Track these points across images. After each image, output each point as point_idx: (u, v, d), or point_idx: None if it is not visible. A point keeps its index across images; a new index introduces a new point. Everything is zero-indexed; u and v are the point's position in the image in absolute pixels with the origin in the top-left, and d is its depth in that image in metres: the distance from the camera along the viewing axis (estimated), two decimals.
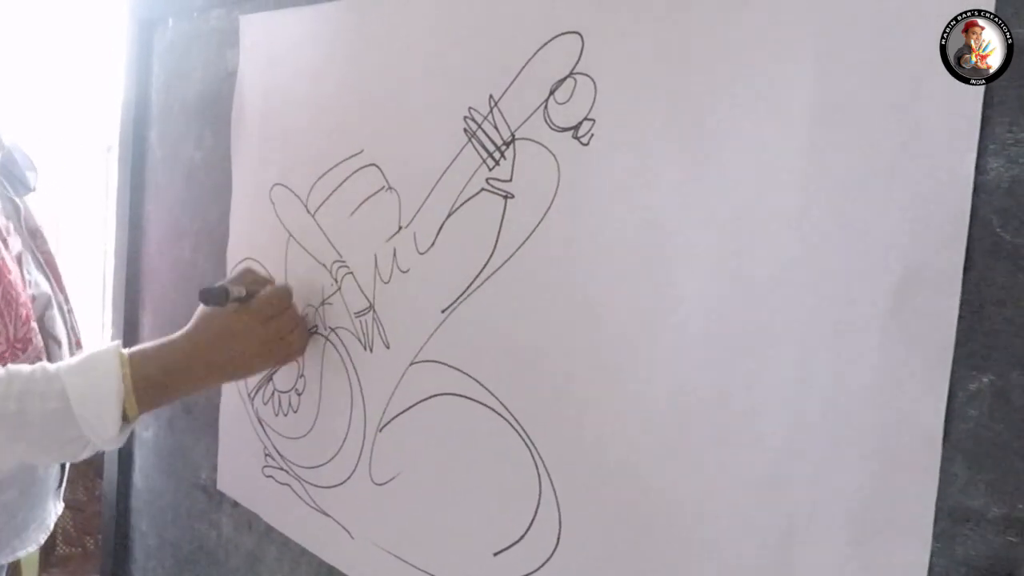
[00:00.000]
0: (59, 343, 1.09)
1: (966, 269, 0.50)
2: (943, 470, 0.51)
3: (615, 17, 0.67)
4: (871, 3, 0.53)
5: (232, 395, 1.14)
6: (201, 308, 0.94)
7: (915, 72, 0.51)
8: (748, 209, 0.59)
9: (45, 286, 1.09)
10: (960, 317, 0.50)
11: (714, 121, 0.61)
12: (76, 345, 1.14)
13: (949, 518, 0.51)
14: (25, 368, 0.87)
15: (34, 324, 1.01)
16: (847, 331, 0.54)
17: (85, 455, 0.90)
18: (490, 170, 0.77)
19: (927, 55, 0.51)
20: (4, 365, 0.88)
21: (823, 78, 0.55)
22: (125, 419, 0.88)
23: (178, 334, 0.93)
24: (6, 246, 1.02)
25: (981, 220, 0.49)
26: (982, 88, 0.49)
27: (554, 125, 0.72)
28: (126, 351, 0.90)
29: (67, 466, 1.20)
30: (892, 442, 0.52)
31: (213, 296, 0.92)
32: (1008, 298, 0.49)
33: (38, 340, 1.02)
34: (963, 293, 0.50)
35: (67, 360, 0.90)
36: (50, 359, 1.04)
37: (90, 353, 0.89)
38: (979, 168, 0.49)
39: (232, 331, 0.92)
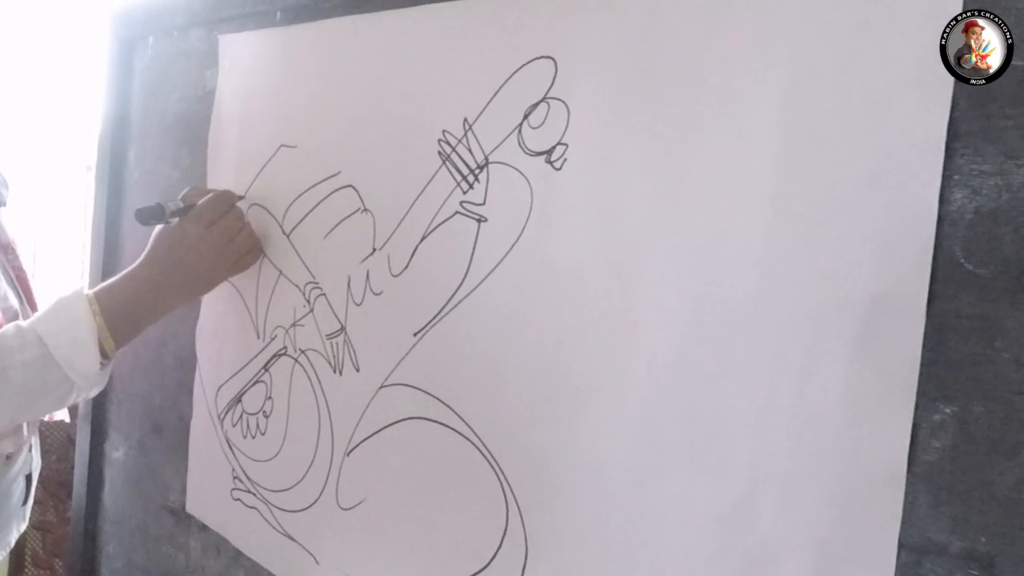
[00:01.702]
0: None
1: (930, 300, 0.50)
2: (906, 502, 0.50)
3: (588, 43, 0.67)
4: (839, 30, 0.54)
5: (202, 416, 1.12)
6: (154, 230, 0.96)
7: (880, 100, 0.51)
8: (717, 236, 0.59)
9: (13, 300, 1.08)
10: (924, 348, 0.50)
11: (684, 147, 0.61)
12: None
13: (912, 551, 0.50)
14: None
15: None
16: (812, 361, 0.54)
17: (71, 400, 0.92)
18: (464, 193, 0.77)
19: (889, 75, 0.51)
20: None
21: (792, 106, 0.55)
22: (104, 356, 0.90)
23: (136, 263, 0.95)
24: None
25: (945, 251, 0.49)
26: (945, 119, 0.49)
27: (527, 149, 0.72)
28: (90, 291, 0.92)
29: (33, 485, 1.18)
30: (856, 473, 0.52)
31: (148, 214, 0.94)
32: (972, 329, 0.49)
33: None
34: (927, 324, 0.50)
35: (36, 314, 0.92)
36: None
37: (57, 299, 0.91)
38: (943, 199, 0.49)
39: (180, 243, 0.93)
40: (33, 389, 0.88)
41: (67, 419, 1.21)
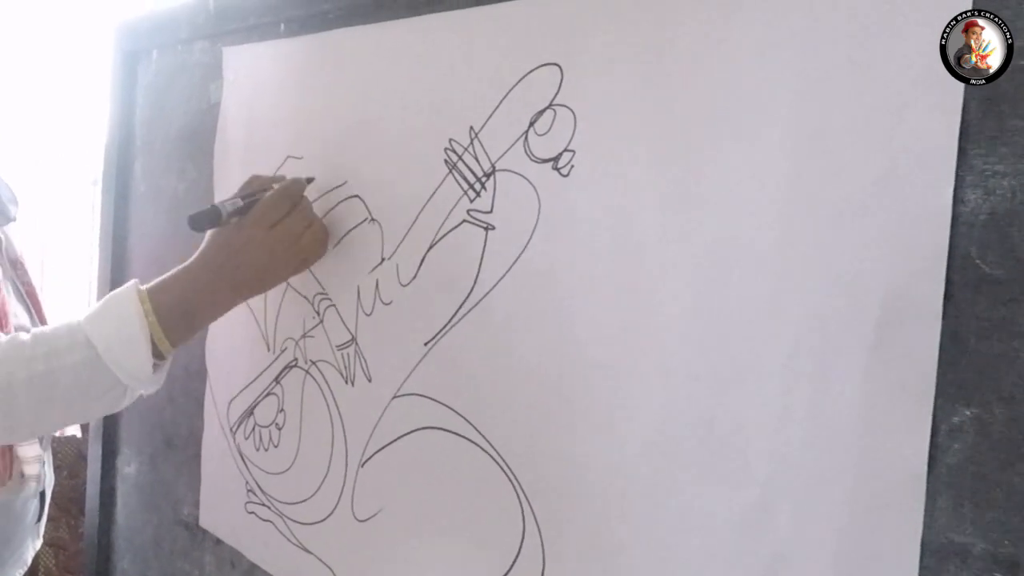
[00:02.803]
0: None
1: (946, 301, 0.49)
2: (928, 505, 0.50)
3: (594, 49, 0.67)
4: (848, 33, 0.53)
5: (214, 429, 1.12)
6: (208, 232, 0.90)
7: (892, 103, 0.51)
8: (728, 241, 0.59)
9: (24, 317, 1.08)
10: (941, 350, 0.49)
11: (693, 152, 0.61)
12: None
13: (935, 555, 0.50)
14: (48, 327, 0.86)
15: None
16: (828, 365, 0.54)
17: (126, 403, 0.88)
18: (471, 201, 0.77)
19: (901, 77, 0.51)
20: None
21: (802, 110, 0.55)
22: (159, 356, 0.86)
23: (191, 260, 0.89)
24: None
25: (960, 252, 0.49)
26: (958, 120, 0.49)
27: (534, 156, 0.71)
28: (143, 287, 0.87)
29: (47, 502, 1.18)
30: (876, 477, 0.52)
31: (203, 220, 0.87)
32: (989, 330, 0.48)
33: None
34: (944, 325, 0.49)
35: (84, 312, 0.87)
36: None
37: (109, 296, 0.86)
38: (957, 200, 0.49)
39: (236, 246, 0.87)
40: (84, 392, 0.84)
41: (79, 434, 1.21)
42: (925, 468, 0.50)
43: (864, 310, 0.52)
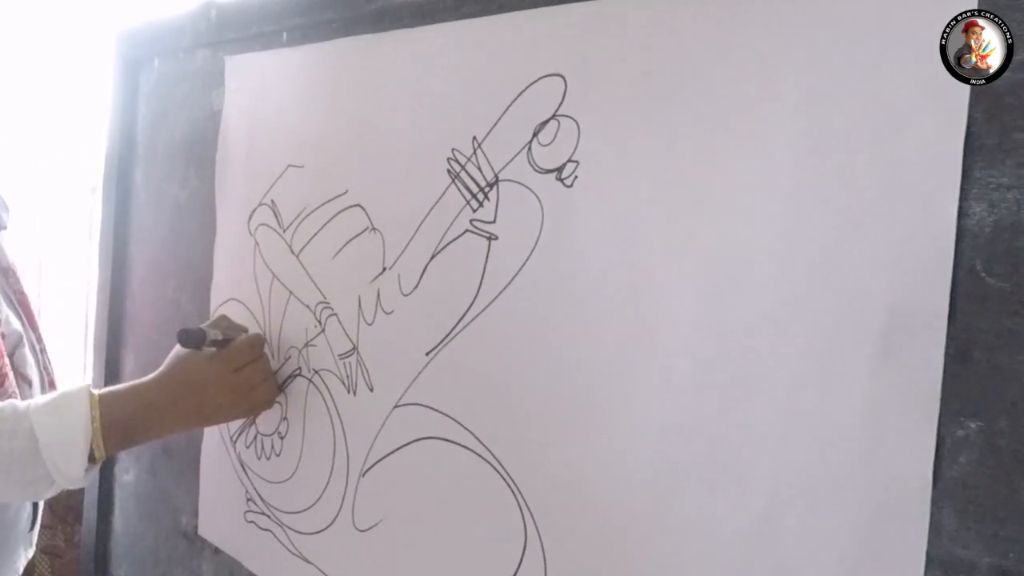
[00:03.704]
0: (29, 383, 1.06)
1: (951, 314, 0.49)
2: (933, 518, 0.50)
3: (598, 60, 0.67)
4: (852, 44, 0.53)
5: (214, 438, 1.12)
6: (176, 350, 0.94)
7: (896, 115, 0.51)
8: (732, 253, 0.59)
9: (16, 324, 1.07)
10: (946, 362, 0.49)
11: (697, 162, 0.61)
12: (49, 385, 1.12)
13: (939, 568, 0.50)
14: None
15: (6, 360, 1.00)
16: (833, 378, 0.54)
17: (49, 494, 0.90)
18: (474, 211, 0.77)
19: (905, 89, 0.51)
20: None
21: (808, 122, 0.55)
22: (92, 459, 0.88)
23: (150, 376, 0.93)
24: None
25: (965, 265, 0.49)
26: (962, 132, 0.49)
27: (538, 167, 0.71)
28: (96, 391, 0.90)
29: (40, 510, 1.17)
30: (881, 490, 0.52)
31: (191, 338, 0.92)
32: (995, 343, 0.48)
33: (12, 377, 1.00)
34: (949, 339, 0.49)
35: (36, 400, 0.90)
36: (21, 399, 1.02)
37: (60, 392, 0.89)
38: (961, 213, 0.49)
39: (203, 377, 0.92)
40: (13, 478, 0.86)
41: None
42: (930, 481, 0.50)
43: (869, 323, 0.52)
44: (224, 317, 1.01)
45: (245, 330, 1.01)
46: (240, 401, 0.95)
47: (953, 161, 0.49)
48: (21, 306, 1.12)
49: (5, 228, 1.13)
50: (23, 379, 1.06)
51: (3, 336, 1.03)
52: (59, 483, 0.88)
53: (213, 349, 0.94)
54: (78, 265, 2.02)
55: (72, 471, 0.87)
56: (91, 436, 0.87)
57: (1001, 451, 0.48)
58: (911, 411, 0.50)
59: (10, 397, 0.96)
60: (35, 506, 1.15)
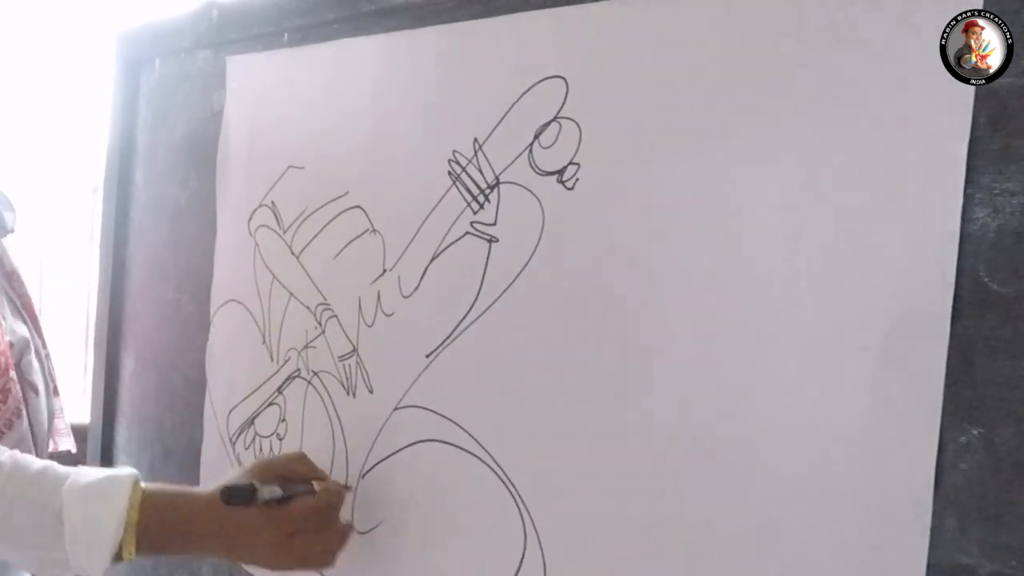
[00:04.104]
0: (36, 390, 1.05)
1: (954, 320, 0.49)
2: (934, 525, 0.50)
3: (599, 62, 0.67)
4: (857, 45, 0.53)
5: (213, 439, 1.12)
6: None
7: (900, 120, 0.51)
8: (734, 256, 0.59)
9: (23, 330, 1.06)
10: (949, 368, 0.49)
11: (698, 166, 0.61)
12: (53, 392, 1.11)
13: (941, 575, 0.49)
14: (34, 465, 0.79)
15: (12, 373, 0.97)
16: (834, 383, 0.54)
17: None
18: (475, 213, 0.77)
19: (909, 94, 0.51)
20: None
21: (810, 125, 0.55)
22: (117, 557, 0.77)
23: (204, 498, 0.80)
24: None
25: (968, 270, 0.49)
26: (966, 137, 0.48)
27: (539, 169, 0.71)
28: (144, 487, 0.79)
29: None
30: (882, 496, 0.51)
31: (238, 497, 0.78)
32: (997, 349, 0.48)
33: (17, 390, 0.98)
34: (951, 344, 0.49)
35: (77, 473, 0.79)
36: (26, 407, 1.00)
37: (105, 476, 0.79)
38: (965, 218, 0.49)
39: (253, 532, 0.78)
40: (30, 554, 0.79)
41: (73, 450, 1.19)
42: (931, 487, 0.50)
43: (871, 328, 0.52)
44: (301, 461, 0.85)
45: (323, 478, 0.85)
46: (288, 564, 0.81)
47: (957, 166, 0.49)
48: (26, 310, 1.10)
49: (12, 231, 1.11)
50: (30, 387, 1.03)
51: (11, 345, 1.01)
52: (74, 571, 0.78)
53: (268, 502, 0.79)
54: (79, 266, 2.01)
55: (92, 567, 0.77)
56: (122, 536, 0.76)
57: (1003, 457, 0.48)
58: (913, 417, 0.50)
59: (16, 413, 0.92)
60: None
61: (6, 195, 1.09)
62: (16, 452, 0.80)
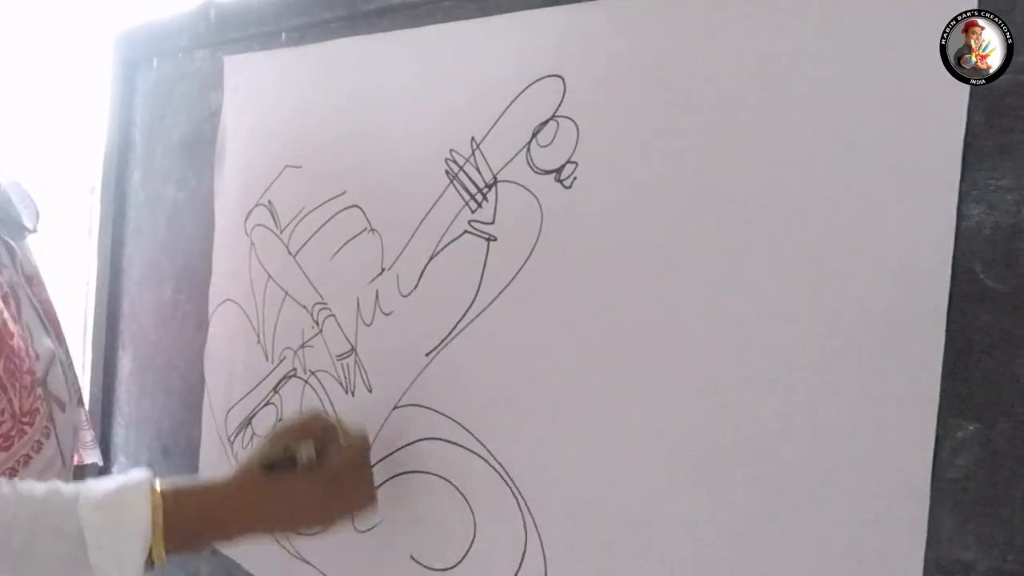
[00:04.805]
0: (62, 405, 0.96)
1: (950, 316, 0.49)
2: (931, 521, 0.50)
3: (597, 61, 0.67)
4: (852, 41, 0.53)
5: (212, 438, 1.12)
6: (256, 455, 0.80)
7: (896, 117, 0.51)
8: (730, 254, 0.59)
9: (47, 342, 0.98)
10: (945, 364, 0.49)
11: (696, 164, 0.61)
12: (78, 403, 1.04)
13: (938, 571, 0.50)
14: (38, 490, 0.74)
15: (39, 390, 0.91)
16: (830, 379, 0.54)
17: None
18: (473, 212, 0.77)
19: (904, 91, 0.51)
20: (9, 444, 0.77)
21: (807, 123, 0.55)
22: (149, 565, 0.74)
23: (225, 482, 0.79)
24: (6, 304, 0.91)
25: (964, 267, 0.49)
26: (961, 134, 0.49)
27: (536, 168, 0.71)
28: (159, 486, 0.75)
29: None
30: (879, 492, 0.51)
31: (279, 465, 0.78)
32: (993, 345, 0.48)
33: (45, 409, 0.91)
34: (947, 340, 0.49)
35: (88, 488, 0.75)
36: (54, 425, 0.93)
37: (117, 486, 0.75)
38: (960, 214, 0.49)
39: (291, 500, 0.78)
40: None
41: (100, 463, 1.17)
42: (928, 483, 0.50)
43: (867, 324, 0.52)
44: (315, 418, 0.84)
45: (340, 427, 0.83)
46: (331, 517, 0.80)
47: (952, 163, 0.49)
48: (47, 316, 1.04)
49: (34, 232, 1.06)
50: (56, 402, 0.96)
51: (37, 358, 0.94)
52: None
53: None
54: (77, 266, 2.01)
55: None
56: (150, 544, 0.72)
57: (999, 453, 0.48)
58: (910, 413, 0.50)
59: (44, 433, 0.87)
60: None
61: (27, 193, 1.06)
62: (16, 480, 0.75)
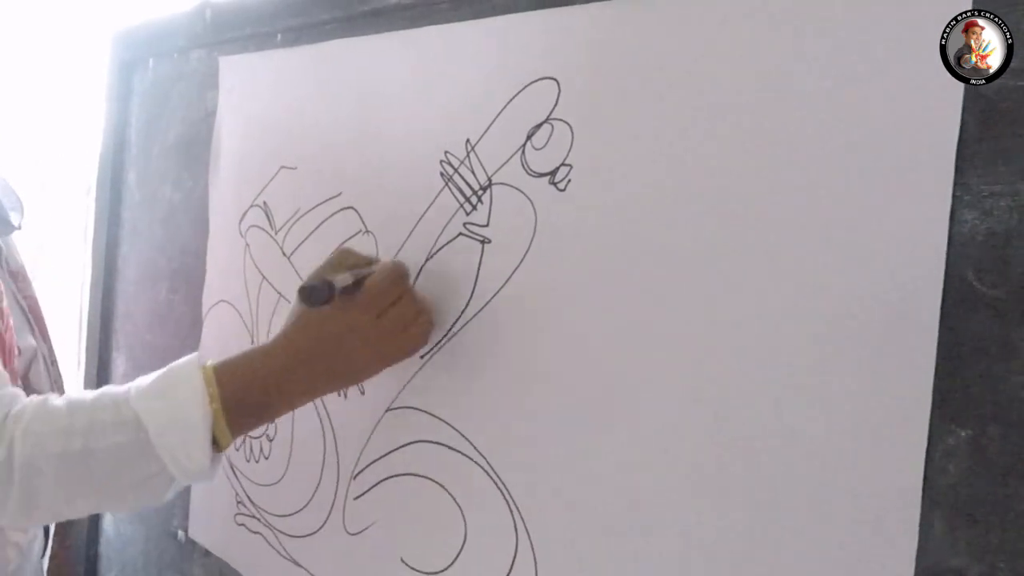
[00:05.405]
0: None
1: (942, 322, 0.49)
2: (922, 527, 0.50)
3: (591, 63, 0.67)
4: (846, 45, 0.53)
5: None
6: (295, 306, 0.77)
7: (888, 122, 0.51)
8: (723, 258, 0.59)
9: (30, 338, 1.00)
10: (937, 370, 0.49)
11: (691, 166, 0.61)
12: None
13: None
14: (87, 395, 0.74)
15: (19, 383, 0.94)
16: (822, 384, 0.54)
17: (169, 495, 0.75)
18: (467, 215, 0.77)
19: (897, 96, 0.51)
20: None
21: (801, 125, 0.55)
22: (215, 445, 0.73)
23: (272, 340, 0.76)
24: None
25: (956, 273, 0.49)
26: (955, 139, 0.49)
27: (531, 170, 0.71)
28: (209, 364, 0.75)
29: (51, 533, 1.15)
30: (870, 498, 0.51)
31: (317, 295, 0.72)
32: (986, 351, 0.48)
33: None
34: (940, 346, 0.49)
35: (136, 382, 0.75)
36: None
37: (167, 369, 0.75)
38: (953, 220, 0.49)
39: (339, 333, 0.74)
40: (125, 479, 0.71)
41: None
42: (920, 489, 0.50)
43: (859, 330, 0.52)
44: (347, 252, 0.80)
45: (376, 260, 0.81)
46: (388, 352, 0.77)
47: (945, 168, 0.49)
48: (32, 313, 1.04)
49: (18, 228, 1.06)
50: None
51: (19, 353, 0.95)
52: (180, 479, 0.73)
53: (343, 297, 0.75)
54: (72, 266, 2.01)
55: (195, 462, 0.71)
56: (211, 418, 0.71)
57: (991, 459, 0.48)
58: (901, 419, 0.50)
59: None
60: (46, 533, 1.12)
61: (13, 190, 1.06)
62: (69, 392, 0.76)
